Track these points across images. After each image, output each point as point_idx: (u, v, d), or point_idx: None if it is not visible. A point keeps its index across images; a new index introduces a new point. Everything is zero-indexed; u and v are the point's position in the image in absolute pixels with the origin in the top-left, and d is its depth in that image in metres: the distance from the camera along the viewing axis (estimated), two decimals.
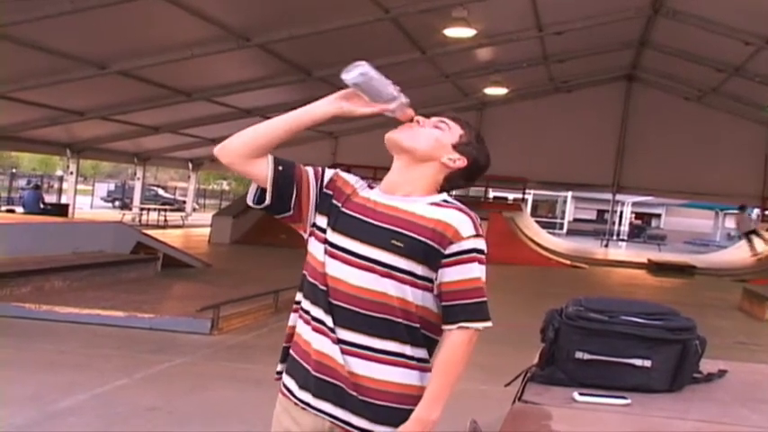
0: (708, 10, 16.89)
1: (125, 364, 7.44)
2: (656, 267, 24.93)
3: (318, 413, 2.46)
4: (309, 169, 2.58)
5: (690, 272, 24.31)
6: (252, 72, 19.11)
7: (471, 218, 2.48)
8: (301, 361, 2.49)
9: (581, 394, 2.58)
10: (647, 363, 2.85)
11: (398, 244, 2.41)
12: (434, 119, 2.63)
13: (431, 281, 2.44)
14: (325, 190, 2.54)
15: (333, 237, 2.47)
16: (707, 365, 3.12)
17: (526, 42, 19.70)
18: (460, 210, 2.48)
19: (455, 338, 2.43)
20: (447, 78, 22.79)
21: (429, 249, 2.41)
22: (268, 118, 2.38)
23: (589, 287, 17.76)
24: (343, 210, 2.50)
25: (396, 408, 2.42)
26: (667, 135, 26.62)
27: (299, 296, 2.57)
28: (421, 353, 2.47)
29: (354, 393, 2.41)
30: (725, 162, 26.30)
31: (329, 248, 2.47)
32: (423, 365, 2.47)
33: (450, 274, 2.44)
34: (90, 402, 6.20)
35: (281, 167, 2.53)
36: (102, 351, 7.97)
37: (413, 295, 2.43)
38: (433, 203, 2.49)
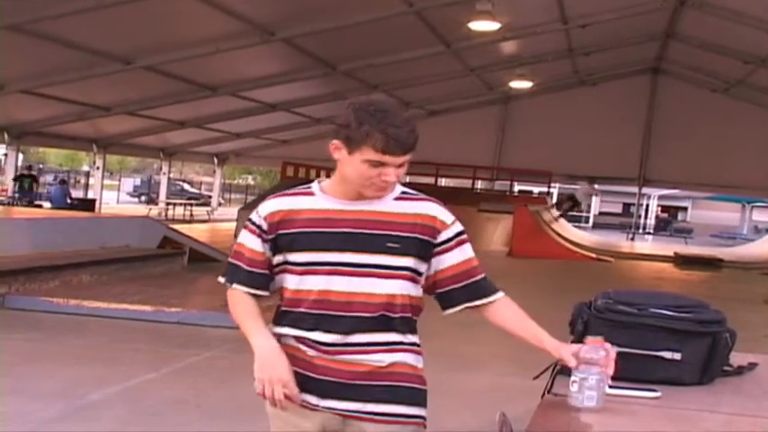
0: (734, 1, 16.74)
1: (153, 358, 7.48)
2: (682, 260, 24.77)
3: (328, 411, 2.50)
4: (252, 243, 2.59)
5: (717, 265, 24.16)
6: (277, 66, 19.16)
7: (442, 205, 2.61)
8: (299, 369, 2.49)
9: (611, 387, 2.57)
10: (677, 355, 2.83)
11: (394, 245, 2.49)
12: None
13: (421, 273, 2.56)
14: (279, 233, 2.54)
15: (319, 257, 2.49)
16: (737, 358, 3.10)
17: (551, 35, 19.63)
18: (429, 200, 2.61)
19: (505, 301, 2.64)
20: (472, 72, 22.74)
21: (422, 243, 2.53)
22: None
23: (616, 280, 17.68)
24: (316, 230, 2.51)
25: (406, 387, 2.54)
26: (693, 127, 26.42)
27: (282, 329, 2.61)
28: (414, 338, 2.60)
29: (363, 382, 2.48)
30: (752, 154, 26.04)
31: (319, 268, 2.49)
32: (418, 349, 2.61)
33: (450, 260, 2.58)
34: (119, 396, 6.25)
35: (257, 290, 2.64)
36: (131, 345, 8.02)
37: (414, 290, 2.55)
38: (397, 198, 2.55)
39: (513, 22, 17.43)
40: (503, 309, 2.63)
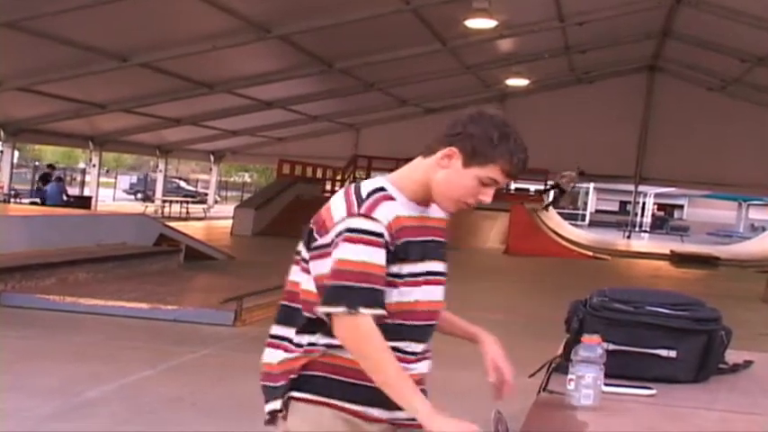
0: None
1: (149, 356, 7.48)
2: (678, 259, 24.74)
3: (387, 422, 2.42)
4: (379, 257, 2.25)
5: (713, 263, 24.15)
6: (273, 64, 19.16)
7: None
8: (368, 383, 2.32)
9: (606, 384, 2.57)
10: (673, 353, 2.83)
11: (445, 251, 2.50)
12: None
13: None
14: (398, 242, 2.29)
15: (418, 266, 2.38)
16: (732, 356, 3.10)
17: (548, 33, 19.65)
18: None
19: None
20: (468, 70, 22.76)
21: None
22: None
23: (612, 278, 17.67)
24: (417, 239, 2.38)
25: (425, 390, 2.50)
26: (690, 126, 26.46)
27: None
28: None
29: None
30: (748, 153, 26.09)
31: (418, 279, 2.39)
32: None
33: None
34: (116, 393, 6.26)
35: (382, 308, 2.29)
36: (127, 342, 8.01)
37: None
38: None
39: (509, 19, 17.44)
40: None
